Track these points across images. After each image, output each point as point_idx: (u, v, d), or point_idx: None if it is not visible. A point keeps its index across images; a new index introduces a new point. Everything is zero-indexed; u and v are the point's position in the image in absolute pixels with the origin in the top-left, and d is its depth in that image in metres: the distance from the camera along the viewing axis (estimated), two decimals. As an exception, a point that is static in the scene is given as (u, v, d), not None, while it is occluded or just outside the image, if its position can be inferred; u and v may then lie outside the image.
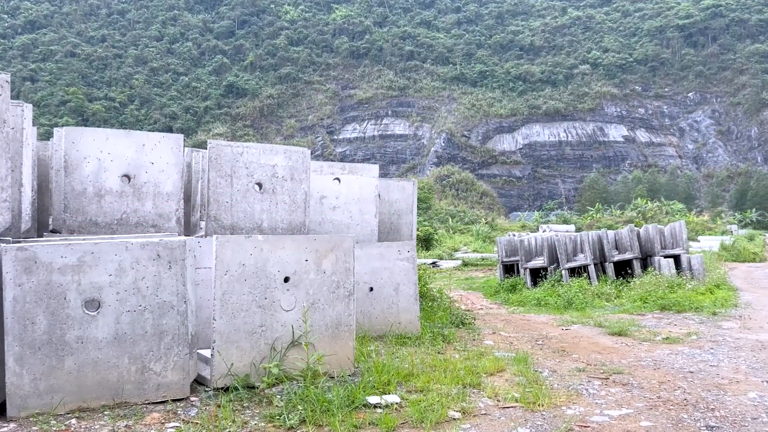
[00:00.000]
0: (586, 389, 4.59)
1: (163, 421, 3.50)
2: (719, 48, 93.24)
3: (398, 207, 8.23)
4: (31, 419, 3.45)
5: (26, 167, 4.86)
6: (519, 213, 65.69)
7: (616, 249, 12.57)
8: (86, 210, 5.08)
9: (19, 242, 3.80)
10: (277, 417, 3.55)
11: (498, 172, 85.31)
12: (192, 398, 3.89)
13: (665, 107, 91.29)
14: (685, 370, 5.35)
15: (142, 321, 3.79)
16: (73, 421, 3.45)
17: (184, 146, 5.81)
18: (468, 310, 9.52)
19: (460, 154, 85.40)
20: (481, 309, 10.65)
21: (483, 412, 3.91)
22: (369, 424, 3.55)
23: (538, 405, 4.06)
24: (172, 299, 3.87)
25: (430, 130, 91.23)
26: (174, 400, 3.82)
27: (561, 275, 12.24)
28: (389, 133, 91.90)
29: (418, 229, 23.94)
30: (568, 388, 4.58)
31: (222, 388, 4.01)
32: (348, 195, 7.03)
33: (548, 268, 12.69)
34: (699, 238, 26.27)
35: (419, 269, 8.07)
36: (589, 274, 11.95)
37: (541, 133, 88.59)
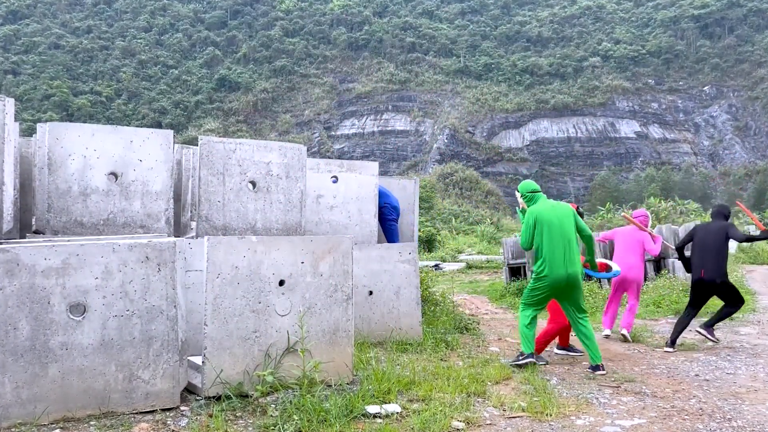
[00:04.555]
0: (597, 398, 4.59)
1: (152, 431, 3.51)
2: (736, 39, 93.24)
3: (399, 207, 8.22)
4: (13, 430, 3.45)
5: (8, 165, 4.86)
6: (526, 213, 65.58)
7: (628, 251, 12.57)
8: (71, 210, 5.08)
9: (1, 243, 3.80)
10: (272, 427, 3.55)
11: (504, 169, 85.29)
12: (182, 407, 3.89)
13: (680, 102, 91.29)
14: (701, 377, 5.35)
15: (130, 326, 3.79)
16: (58, 431, 3.45)
17: (174, 143, 5.81)
18: (472, 315, 9.52)
19: (463, 150, 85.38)
20: (486, 314, 10.65)
21: (488, 422, 3.91)
22: (368, 434, 3.55)
23: (546, 415, 4.06)
24: (162, 303, 3.87)
25: (433, 125, 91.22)
26: (163, 410, 3.82)
27: (570, 278, 12.23)
28: (389, 128, 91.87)
29: (420, 230, 23.94)
30: (577, 397, 4.58)
31: (214, 397, 4.01)
32: (346, 194, 7.03)
33: (557, 271, 12.68)
34: (715, 239, 26.21)
35: (421, 272, 8.07)
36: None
37: (549, 128, 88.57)
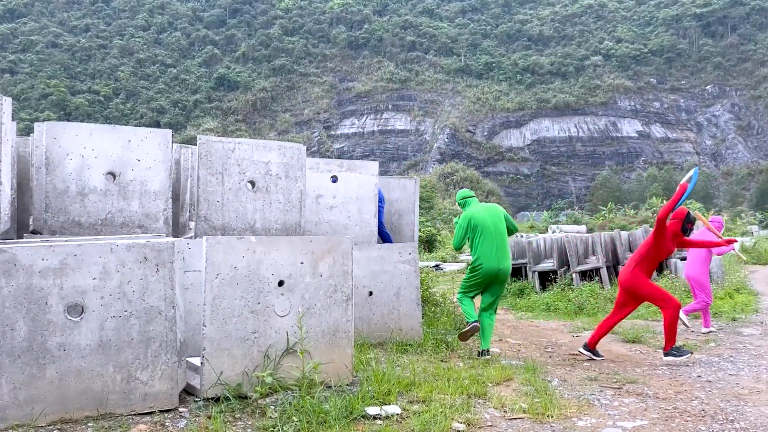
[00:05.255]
0: (598, 399, 4.60)
1: (150, 433, 3.51)
2: (739, 38, 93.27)
3: (399, 206, 8.23)
4: (10, 431, 3.45)
5: (5, 164, 4.86)
6: (527, 213, 65.74)
7: (630, 251, 12.57)
8: (69, 210, 5.08)
9: (-2, 244, 3.80)
10: (271, 429, 3.56)
11: (505, 169, 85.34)
12: (181, 409, 3.89)
13: (682, 101, 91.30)
14: (703, 379, 5.35)
15: (128, 327, 3.79)
16: (55, 433, 3.45)
17: (173, 142, 5.81)
18: (473, 316, 9.51)
19: (464, 150, 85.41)
20: (487, 314, 10.63)
21: (489, 423, 3.92)
22: (368, 436, 3.55)
23: (548, 416, 4.06)
24: (160, 304, 3.87)
25: (433, 125, 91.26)
26: (162, 411, 3.82)
27: (571, 279, 12.24)
28: (389, 128, 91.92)
29: (420, 230, 23.93)
30: (579, 399, 4.59)
31: (212, 398, 4.01)
32: (346, 194, 7.03)
33: (558, 272, 12.69)
34: (718, 239, 26.24)
35: (421, 272, 8.08)
36: (601, 278, 11.95)
37: (551, 128, 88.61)
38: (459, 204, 6.56)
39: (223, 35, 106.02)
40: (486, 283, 6.23)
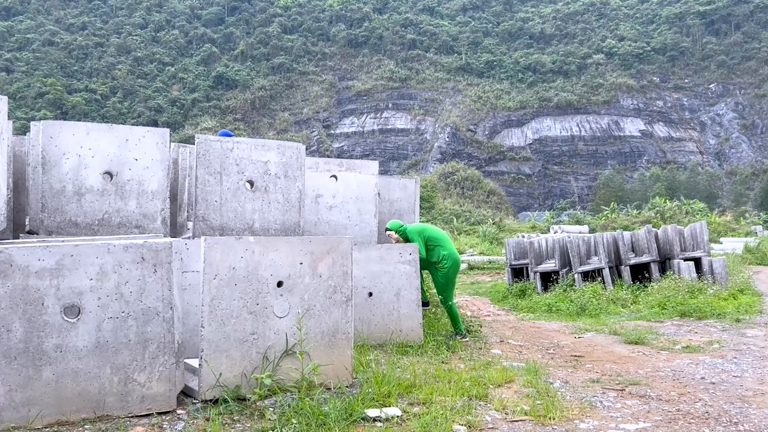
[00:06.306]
0: (601, 401, 4.60)
1: (147, 435, 3.51)
2: (743, 36, 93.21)
3: (399, 206, 8.23)
4: (6, 433, 3.46)
5: (1, 164, 4.86)
6: (529, 213, 65.71)
7: (633, 251, 12.57)
8: (65, 210, 5.08)
9: (-6, 244, 3.79)
10: (270, 431, 3.56)
11: (506, 168, 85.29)
12: (179, 411, 3.89)
13: (685, 100, 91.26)
14: (707, 381, 5.35)
15: (126, 328, 3.79)
16: (52, 435, 3.45)
17: (171, 141, 5.81)
18: (474, 317, 9.52)
19: (465, 149, 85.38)
20: (488, 316, 10.65)
21: (490, 425, 3.92)
22: (368, 438, 3.55)
23: (549, 418, 4.06)
24: (158, 305, 3.87)
25: (434, 124, 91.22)
26: (159, 413, 3.83)
27: (573, 279, 12.24)
28: (390, 127, 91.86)
29: (420, 230, 23.77)
30: (581, 401, 4.59)
31: (211, 401, 4.02)
32: (345, 194, 7.03)
33: (560, 272, 12.69)
34: (721, 239, 26.31)
35: (422, 273, 8.09)
36: (603, 279, 11.95)
37: (553, 127, 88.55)
38: (398, 232, 7.16)
39: (222, 33, 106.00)
40: (455, 274, 7.18)
